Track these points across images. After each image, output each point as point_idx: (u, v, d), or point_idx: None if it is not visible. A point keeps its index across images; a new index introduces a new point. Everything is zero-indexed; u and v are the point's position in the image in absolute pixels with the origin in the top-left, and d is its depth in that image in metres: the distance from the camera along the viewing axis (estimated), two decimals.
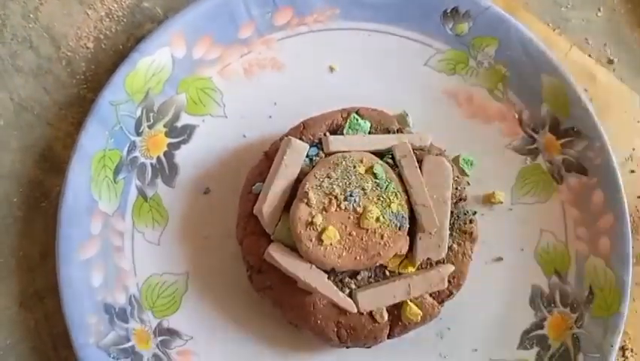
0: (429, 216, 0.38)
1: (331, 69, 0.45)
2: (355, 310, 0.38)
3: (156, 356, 0.42)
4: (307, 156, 0.40)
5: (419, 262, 0.39)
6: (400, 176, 0.39)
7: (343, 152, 0.39)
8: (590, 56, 0.48)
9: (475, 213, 0.41)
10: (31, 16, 0.45)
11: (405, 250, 0.39)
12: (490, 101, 0.45)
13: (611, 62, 0.48)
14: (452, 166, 0.40)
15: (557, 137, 0.44)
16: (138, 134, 0.42)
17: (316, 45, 0.45)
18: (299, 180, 0.39)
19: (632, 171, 0.47)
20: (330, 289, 0.38)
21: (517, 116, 0.45)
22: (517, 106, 0.45)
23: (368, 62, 0.45)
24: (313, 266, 0.38)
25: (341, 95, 0.44)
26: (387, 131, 0.41)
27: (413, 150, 0.39)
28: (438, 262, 0.40)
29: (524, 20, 0.46)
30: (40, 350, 0.43)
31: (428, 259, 0.39)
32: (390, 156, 0.40)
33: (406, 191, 0.39)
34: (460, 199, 0.40)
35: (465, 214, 0.40)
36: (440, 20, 0.45)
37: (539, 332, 0.44)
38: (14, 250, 0.43)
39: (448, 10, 0.44)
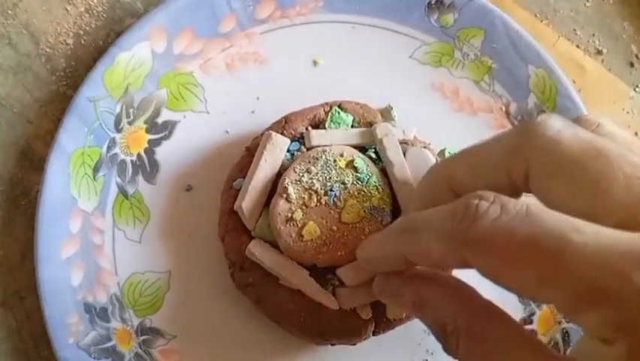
0: (409, 195, 0.37)
1: (315, 63, 0.44)
2: (337, 307, 0.38)
3: (138, 356, 0.41)
4: (289, 150, 0.39)
5: None
6: (382, 171, 0.38)
7: (324, 146, 0.38)
8: (578, 46, 0.47)
9: None
10: (10, 12, 0.44)
11: None
12: (477, 93, 0.44)
13: (599, 52, 0.47)
14: (436, 158, 0.39)
15: None
16: (118, 130, 0.42)
17: (299, 38, 0.44)
18: (280, 176, 0.38)
19: None
20: (311, 285, 0.37)
21: (504, 109, 0.44)
22: (504, 98, 0.44)
23: (352, 56, 0.44)
24: (294, 262, 0.37)
25: (325, 89, 0.43)
26: (371, 125, 0.40)
27: (398, 142, 0.39)
28: None
29: (511, 11, 0.45)
30: (22, 350, 0.42)
31: None
32: (373, 150, 0.39)
33: (388, 184, 0.38)
34: None
35: None
36: (425, 12, 0.44)
37: (529, 326, 0.43)
38: None
39: (433, 2, 0.44)
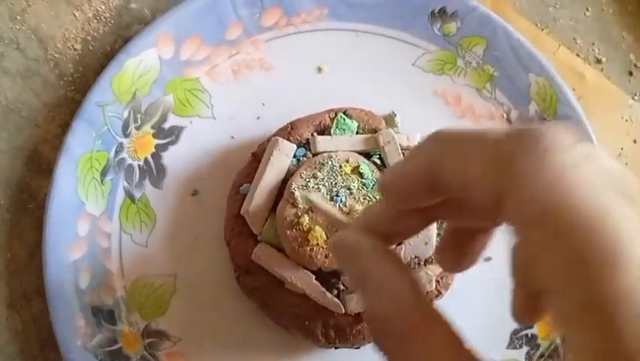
0: None
1: (320, 70, 0.45)
2: (343, 311, 0.38)
3: (144, 358, 0.41)
4: (294, 156, 0.40)
5: (406, 262, 0.39)
6: None
7: (330, 152, 0.39)
8: (578, 55, 0.48)
9: None
10: (19, 17, 0.45)
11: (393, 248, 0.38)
12: (479, 101, 0.45)
13: (599, 61, 0.48)
14: None
15: None
16: (125, 135, 0.42)
17: (304, 46, 0.45)
18: (286, 181, 0.39)
19: None
20: (317, 290, 0.38)
21: (505, 116, 0.45)
22: (506, 106, 0.45)
23: (356, 63, 0.45)
24: (300, 267, 0.38)
25: (330, 96, 0.44)
26: (375, 131, 0.41)
27: (401, 149, 0.39)
28: (426, 262, 0.39)
29: (512, 20, 0.46)
30: (28, 353, 0.43)
31: (416, 257, 0.39)
32: (378, 156, 0.40)
33: None
34: None
35: None
36: (428, 21, 0.45)
37: (529, 331, 0.44)
38: (2, 252, 0.43)
39: (436, 11, 0.44)
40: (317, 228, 0.37)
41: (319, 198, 0.35)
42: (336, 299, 0.38)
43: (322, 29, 0.45)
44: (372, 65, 0.45)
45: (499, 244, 0.43)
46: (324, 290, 0.38)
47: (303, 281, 0.38)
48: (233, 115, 0.44)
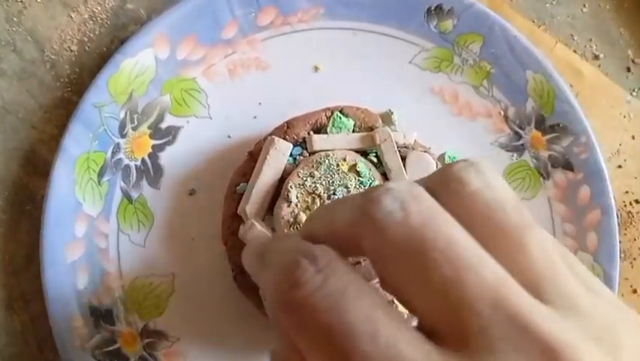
0: None
1: (316, 69, 0.45)
2: None
3: (142, 358, 0.41)
4: (291, 155, 0.40)
5: None
6: (384, 175, 0.39)
7: (327, 150, 0.39)
8: (575, 51, 0.48)
9: None
10: (15, 19, 0.45)
11: None
12: (476, 98, 0.45)
13: (596, 57, 0.48)
14: (436, 162, 0.40)
15: (543, 133, 0.44)
16: (122, 136, 0.42)
17: (301, 45, 0.45)
18: (283, 180, 0.39)
19: (620, 167, 0.47)
20: None
21: (502, 113, 0.45)
22: (503, 103, 0.45)
23: (353, 61, 0.45)
24: None
25: (326, 95, 0.43)
26: (371, 129, 0.41)
27: (397, 147, 0.39)
28: None
29: (509, 17, 0.46)
30: (27, 354, 0.43)
31: None
32: (374, 154, 0.40)
33: None
34: None
35: None
36: (424, 18, 0.44)
37: None
38: (0, 254, 0.43)
39: (432, 8, 0.44)
40: None
41: (255, 218, 0.36)
42: None
43: (318, 28, 0.45)
44: (369, 64, 0.45)
45: None
46: None
47: None
48: (230, 114, 0.44)
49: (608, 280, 0.42)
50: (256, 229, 0.37)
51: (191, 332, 0.42)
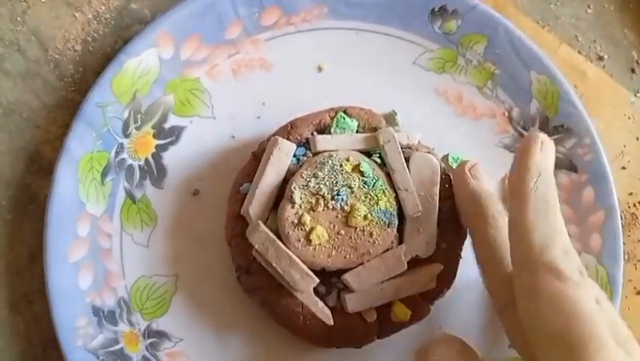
0: (411, 201, 0.38)
1: (320, 69, 0.45)
2: (331, 323, 0.38)
3: (145, 359, 0.41)
4: (295, 155, 0.39)
5: (407, 260, 0.38)
6: (388, 175, 0.39)
7: (330, 151, 0.39)
8: (579, 52, 0.48)
9: None
10: (19, 19, 0.45)
11: (395, 247, 0.38)
12: (480, 99, 0.45)
13: (601, 58, 0.48)
14: (439, 162, 0.40)
15: (547, 134, 0.44)
16: (126, 135, 0.42)
17: (304, 45, 0.44)
18: (286, 181, 0.39)
19: (624, 168, 0.46)
20: (310, 299, 0.38)
21: (506, 114, 0.45)
22: (507, 104, 0.45)
23: (357, 62, 0.45)
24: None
25: (330, 95, 0.43)
26: (375, 130, 0.41)
27: (400, 148, 0.39)
28: (427, 261, 0.39)
29: (513, 17, 0.46)
30: (30, 354, 0.43)
31: (417, 256, 0.39)
32: (378, 155, 0.40)
33: (394, 188, 0.38)
34: (449, 197, 0.40)
35: (454, 213, 0.40)
36: (428, 19, 0.44)
37: None
38: (3, 253, 0.43)
39: (436, 9, 0.44)
40: (319, 227, 0.37)
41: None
42: (326, 310, 0.38)
43: (322, 28, 0.45)
44: (373, 64, 0.45)
45: None
46: (317, 299, 0.38)
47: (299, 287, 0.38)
48: (234, 115, 0.44)
49: (611, 282, 0.42)
50: (261, 230, 0.37)
51: (195, 332, 0.42)
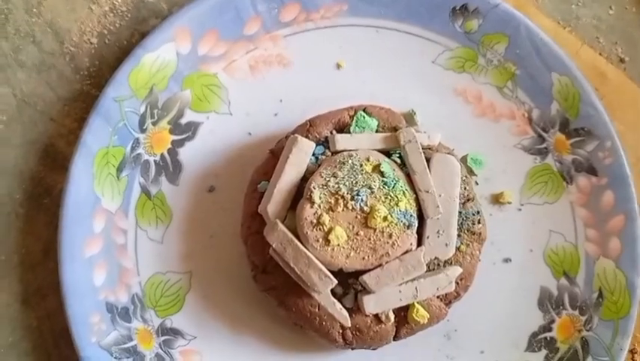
0: (432, 203, 0.37)
1: (338, 66, 0.44)
2: (349, 325, 0.38)
3: (159, 356, 0.41)
4: (313, 154, 0.39)
5: (427, 262, 0.38)
6: (408, 175, 0.38)
7: (350, 150, 0.38)
8: (600, 54, 0.47)
9: (479, 212, 0.41)
10: (35, 10, 0.44)
11: (414, 249, 0.38)
12: (500, 100, 0.44)
13: (622, 60, 0.47)
14: (460, 164, 0.39)
15: (567, 136, 0.44)
16: (142, 130, 0.42)
17: (323, 42, 0.44)
18: (305, 179, 0.38)
19: None
20: (327, 300, 0.38)
21: (526, 115, 0.44)
22: (527, 105, 0.44)
23: (376, 59, 0.44)
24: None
25: (348, 93, 0.43)
26: (395, 129, 0.40)
27: (421, 148, 0.39)
28: (446, 263, 0.39)
29: (534, 18, 0.45)
30: (42, 349, 0.43)
31: (436, 258, 0.38)
32: (398, 155, 0.39)
33: (414, 189, 0.38)
34: (468, 200, 0.40)
35: (473, 215, 0.40)
36: (449, 17, 0.44)
37: (547, 334, 0.43)
38: (16, 247, 0.43)
39: (458, 7, 0.44)
40: (338, 228, 0.36)
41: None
42: (344, 311, 0.38)
43: (341, 25, 0.44)
44: (392, 62, 0.44)
45: (519, 245, 0.43)
46: (335, 300, 0.38)
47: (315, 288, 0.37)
48: (251, 111, 0.43)
49: (630, 287, 0.42)
50: (280, 229, 0.37)
51: (208, 330, 0.42)
